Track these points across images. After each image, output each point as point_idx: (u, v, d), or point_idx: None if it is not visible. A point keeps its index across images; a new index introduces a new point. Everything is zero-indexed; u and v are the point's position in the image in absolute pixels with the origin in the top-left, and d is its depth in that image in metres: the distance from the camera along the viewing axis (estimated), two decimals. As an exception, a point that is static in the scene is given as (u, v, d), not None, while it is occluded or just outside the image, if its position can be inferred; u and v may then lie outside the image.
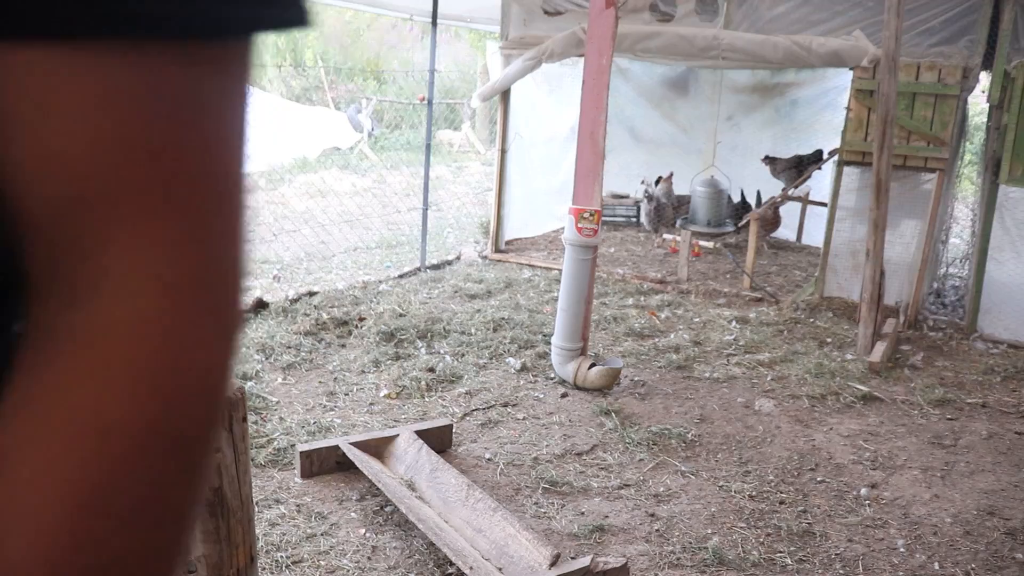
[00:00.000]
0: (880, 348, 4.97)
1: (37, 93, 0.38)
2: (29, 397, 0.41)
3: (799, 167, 7.32)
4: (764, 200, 7.93)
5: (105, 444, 0.40)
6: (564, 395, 4.32)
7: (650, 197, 8.30)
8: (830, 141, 7.57)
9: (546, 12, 6.80)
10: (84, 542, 0.40)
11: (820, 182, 7.85)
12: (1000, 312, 5.61)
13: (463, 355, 4.75)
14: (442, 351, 4.80)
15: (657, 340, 5.19)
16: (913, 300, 5.76)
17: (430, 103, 6.99)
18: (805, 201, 7.73)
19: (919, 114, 5.47)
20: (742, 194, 7.94)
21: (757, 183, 8.01)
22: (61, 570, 0.39)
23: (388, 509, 3.14)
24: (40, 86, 0.38)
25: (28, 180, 0.39)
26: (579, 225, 4.34)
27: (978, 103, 8.97)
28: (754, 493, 3.39)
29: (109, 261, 0.40)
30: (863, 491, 3.45)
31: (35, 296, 0.42)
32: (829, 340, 5.33)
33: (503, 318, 5.29)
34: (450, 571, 2.75)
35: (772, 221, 7.63)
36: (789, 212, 8.06)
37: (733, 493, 3.39)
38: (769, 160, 7.65)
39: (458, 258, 7.35)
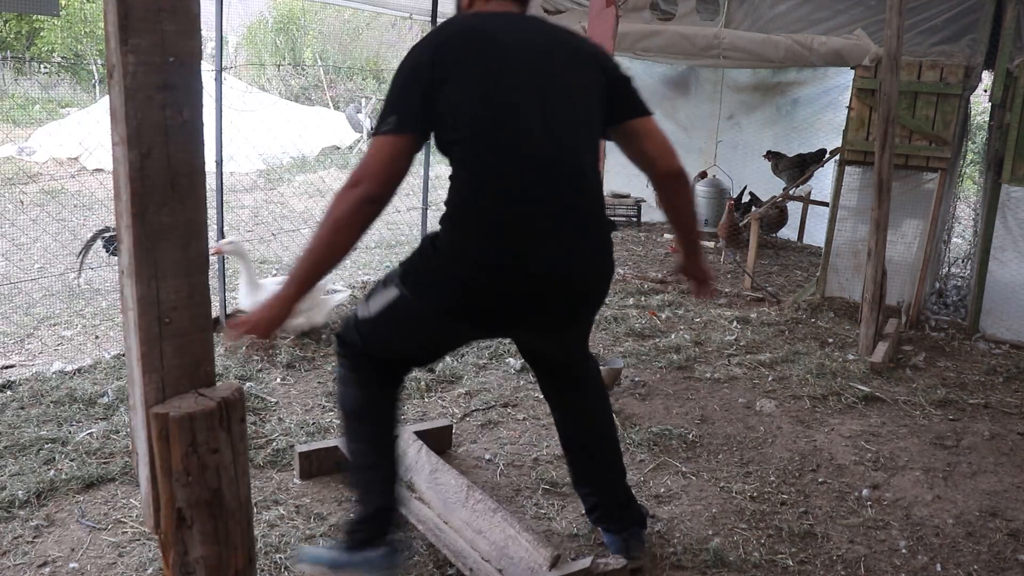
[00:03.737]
0: (882, 348, 4.95)
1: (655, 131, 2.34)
2: None
3: (802, 166, 7.31)
4: (747, 196, 7.93)
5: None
6: (564, 395, 4.30)
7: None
8: (831, 140, 7.56)
9: (546, 11, 6.78)
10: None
11: (821, 181, 7.84)
12: (1002, 312, 5.60)
13: (463, 355, 4.74)
14: (442, 351, 4.78)
15: (658, 340, 5.17)
16: (915, 300, 5.75)
17: (430, 102, 6.96)
18: (806, 201, 7.71)
19: (921, 113, 5.46)
20: (745, 193, 7.92)
21: (758, 182, 8.00)
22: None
23: (387, 510, 3.12)
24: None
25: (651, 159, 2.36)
26: (580, 224, 4.31)
27: (980, 102, 8.95)
28: (755, 494, 3.37)
29: None
30: (865, 492, 3.44)
31: None
32: (830, 340, 5.31)
33: (503, 318, 5.26)
34: (450, 573, 2.73)
35: (778, 220, 7.62)
36: (790, 212, 8.05)
37: (734, 494, 3.37)
38: (772, 155, 7.63)
39: (458, 257, 7.32)
